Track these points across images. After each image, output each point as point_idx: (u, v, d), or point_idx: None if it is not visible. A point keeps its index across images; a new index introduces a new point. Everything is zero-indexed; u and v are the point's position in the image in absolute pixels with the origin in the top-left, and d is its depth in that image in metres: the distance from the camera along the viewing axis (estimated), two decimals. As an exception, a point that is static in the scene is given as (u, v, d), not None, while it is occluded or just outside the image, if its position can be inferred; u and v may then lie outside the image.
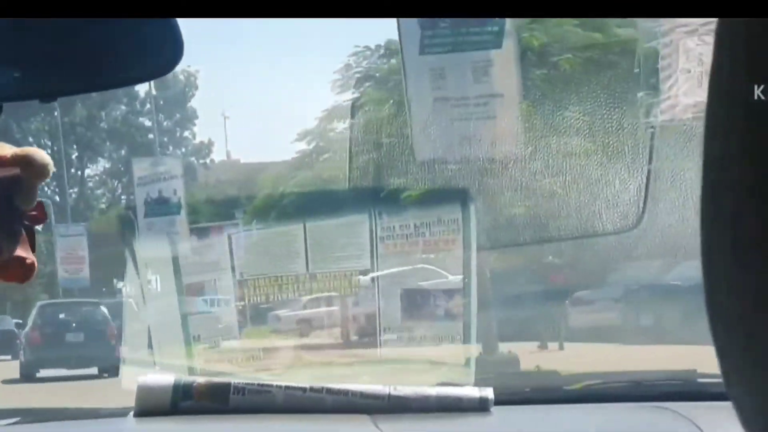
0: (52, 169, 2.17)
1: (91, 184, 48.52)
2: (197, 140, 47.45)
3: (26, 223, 2.23)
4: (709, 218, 0.67)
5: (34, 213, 2.18)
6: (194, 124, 47.64)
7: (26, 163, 2.15)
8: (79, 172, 47.43)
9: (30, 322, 23.95)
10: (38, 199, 2.23)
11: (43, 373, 21.67)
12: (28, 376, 21.44)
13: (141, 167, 13.51)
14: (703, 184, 0.67)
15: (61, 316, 24.02)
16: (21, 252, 2.09)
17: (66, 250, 27.32)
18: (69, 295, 27.90)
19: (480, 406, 2.59)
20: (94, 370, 20.99)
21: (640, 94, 5.83)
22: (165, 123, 47.12)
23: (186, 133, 48.01)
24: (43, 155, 2.17)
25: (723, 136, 0.66)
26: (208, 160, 46.07)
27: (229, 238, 3.81)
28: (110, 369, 20.33)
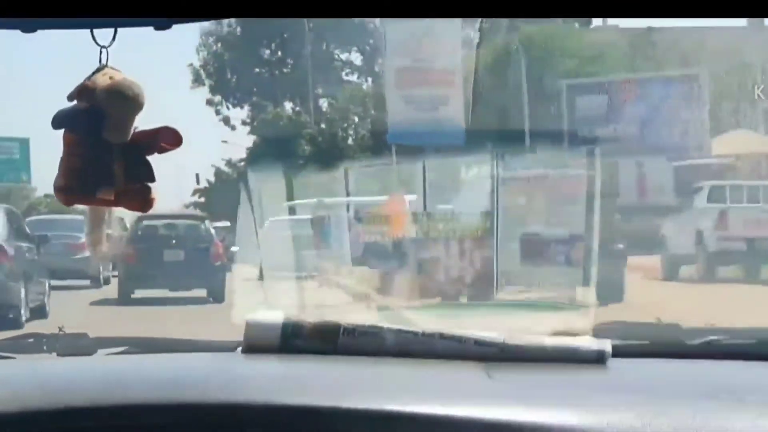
0: (143, 100, 2.12)
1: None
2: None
3: (145, 154, 2.18)
4: None
5: (163, 144, 2.14)
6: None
7: (113, 95, 2.09)
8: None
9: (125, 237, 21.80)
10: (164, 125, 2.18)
11: (139, 294, 20.08)
12: (123, 296, 19.97)
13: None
14: None
15: (160, 232, 21.72)
16: (103, 192, 2.07)
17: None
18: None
19: (596, 358, 2.50)
20: (197, 293, 19.25)
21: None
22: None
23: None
24: (132, 86, 2.11)
25: None
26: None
27: (346, 172, 3.72)
28: (216, 293, 19.03)
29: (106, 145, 2.08)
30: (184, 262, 19.93)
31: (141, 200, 2.16)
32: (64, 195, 2.13)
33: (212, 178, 48.19)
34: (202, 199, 46.94)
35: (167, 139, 2.15)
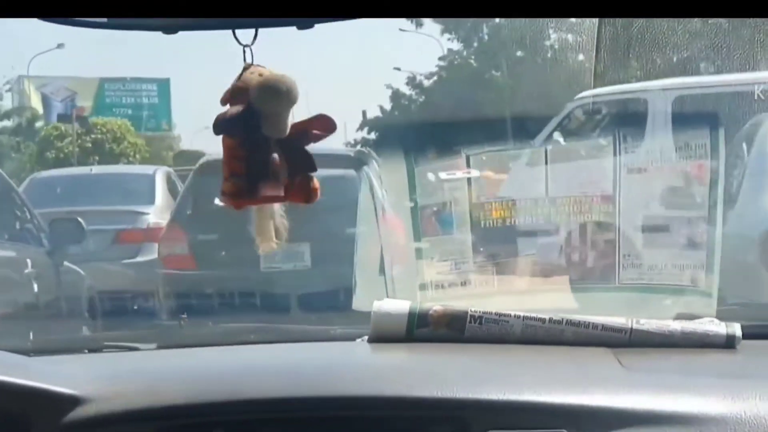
0: (297, 92, 2.11)
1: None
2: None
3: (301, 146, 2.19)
4: None
5: (315, 131, 2.15)
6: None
7: (267, 91, 2.10)
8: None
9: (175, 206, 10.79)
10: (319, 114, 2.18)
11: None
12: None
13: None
14: None
15: None
16: (270, 190, 2.08)
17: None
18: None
19: (726, 343, 2.46)
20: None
21: None
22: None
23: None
24: (283, 80, 2.11)
25: None
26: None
27: (467, 158, 3.70)
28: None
29: (266, 143, 2.09)
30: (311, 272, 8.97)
31: (306, 192, 2.17)
32: (232, 200, 2.14)
33: (388, 105, 38.91)
34: (373, 135, 35.61)
35: (321, 127, 2.15)
